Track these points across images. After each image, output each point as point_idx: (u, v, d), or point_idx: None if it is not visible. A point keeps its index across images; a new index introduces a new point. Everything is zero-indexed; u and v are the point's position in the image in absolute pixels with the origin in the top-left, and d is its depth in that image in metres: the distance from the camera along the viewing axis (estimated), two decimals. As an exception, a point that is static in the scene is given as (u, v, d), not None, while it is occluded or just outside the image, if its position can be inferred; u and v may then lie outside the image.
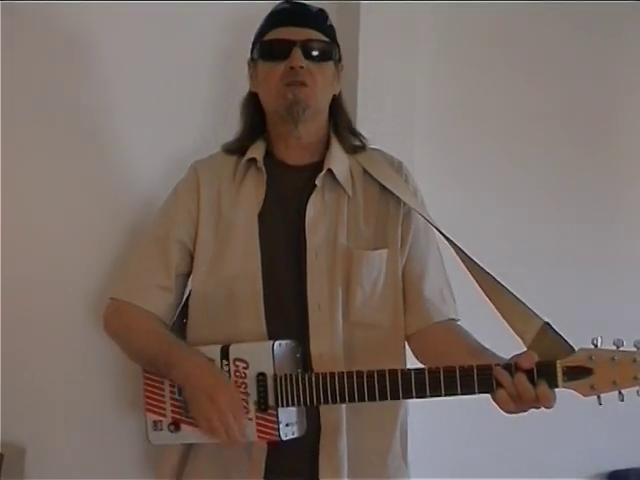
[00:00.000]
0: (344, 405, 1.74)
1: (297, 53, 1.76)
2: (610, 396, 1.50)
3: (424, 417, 1.92)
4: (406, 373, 1.59)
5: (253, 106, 1.88)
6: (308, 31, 1.79)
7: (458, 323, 1.84)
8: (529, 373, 1.51)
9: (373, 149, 1.92)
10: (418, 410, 1.88)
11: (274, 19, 1.83)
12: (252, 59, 1.87)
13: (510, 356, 1.56)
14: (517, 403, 1.52)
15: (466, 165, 2.63)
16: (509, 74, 2.70)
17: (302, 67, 1.76)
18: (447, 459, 2.42)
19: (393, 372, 1.59)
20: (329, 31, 1.85)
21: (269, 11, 1.85)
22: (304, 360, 1.73)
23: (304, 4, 1.85)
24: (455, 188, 2.53)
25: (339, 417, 1.75)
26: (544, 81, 2.75)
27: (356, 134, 1.92)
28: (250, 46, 1.87)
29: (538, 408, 1.54)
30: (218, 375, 1.69)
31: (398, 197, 1.83)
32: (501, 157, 2.70)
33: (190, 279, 1.87)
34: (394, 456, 1.84)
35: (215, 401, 1.63)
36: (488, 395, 1.57)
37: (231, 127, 1.92)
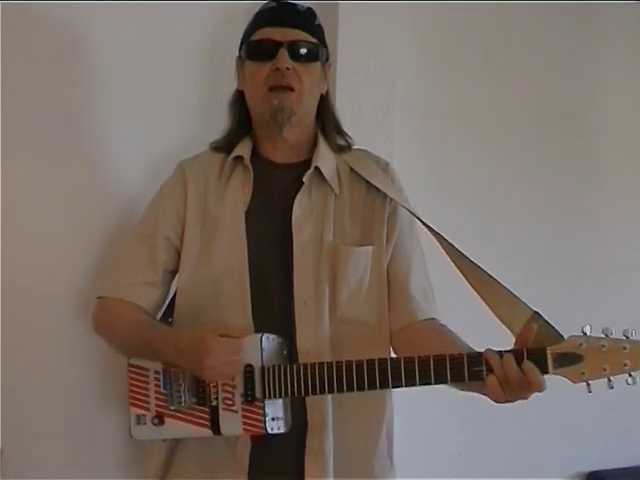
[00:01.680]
0: (330, 403, 1.73)
1: (283, 54, 1.76)
2: (595, 394, 1.49)
3: (408, 417, 1.91)
4: (396, 361, 1.59)
5: (240, 104, 1.89)
6: (295, 31, 1.79)
7: (441, 322, 1.84)
8: (519, 359, 1.51)
9: (359, 149, 1.93)
10: (403, 410, 1.87)
11: (261, 18, 1.84)
12: (240, 57, 1.87)
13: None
14: (506, 388, 1.51)
15: (446, 164, 2.65)
16: (490, 73, 2.73)
17: (288, 68, 1.76)
18: (429, 458, 2.41)
19: (382, 360, 1.59)
20: (317, 31, 1.85)
21: (257, 10, 1.86)
22: (291, 357, 1.72)
23: (292, 3, 1.85)
24: (435, 187, 2.55)
25: (325, 415, 1.74)
26: (525, 79, 2.78)
27: (342, 134, 1.92)
28: (237, 45, 1.87)
29: (526, 398, 1.53)
30: (205, 335, 1.64)
31: (384, 195, 1.83)
32: (482, 155, 2.71)
33: (176, 277, 1.86)
34: (380, 455, 1.83)
35: (210, 351, 1.60)
36: (472, 394, 1.58)
37: (217, 126, 1.92)
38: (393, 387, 1.60)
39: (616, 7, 2.89)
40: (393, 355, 1.82)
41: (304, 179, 1.81)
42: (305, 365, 1.64)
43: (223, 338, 1.63)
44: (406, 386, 1.58)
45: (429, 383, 1.56)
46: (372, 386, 1.59)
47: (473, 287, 1.71)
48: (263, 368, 1.65)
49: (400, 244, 1.85)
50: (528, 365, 1.50)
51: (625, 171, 2.99)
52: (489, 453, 2.62)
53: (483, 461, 2.60)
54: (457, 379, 1.55)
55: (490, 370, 1.52)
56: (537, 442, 2.75)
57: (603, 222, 2.95)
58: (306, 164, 1.84)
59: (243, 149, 1.86)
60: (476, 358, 1.54)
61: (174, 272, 1.85)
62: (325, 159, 1.85)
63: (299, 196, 1.80)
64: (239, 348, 1.63)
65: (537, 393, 1.52)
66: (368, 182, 1.84)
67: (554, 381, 1.52)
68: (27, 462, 1.94)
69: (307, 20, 1.84)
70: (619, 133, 2.97)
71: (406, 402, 1.84)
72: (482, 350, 1.58)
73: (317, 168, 1.83)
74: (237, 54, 1.87)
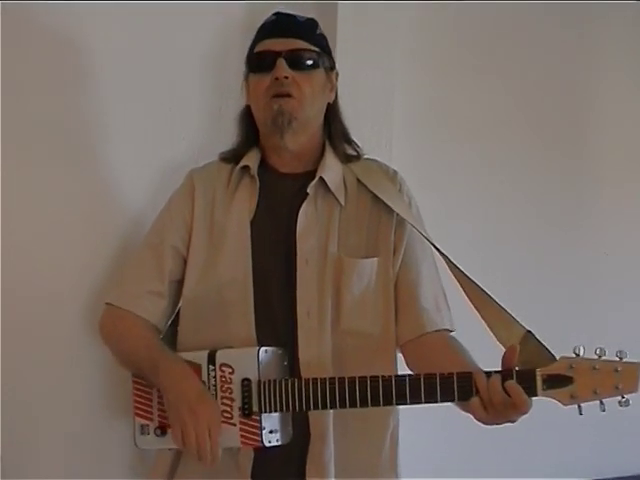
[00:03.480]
0: (332, 414, 1.74)
1: (281, 64, 1.77)
2: (594, 405, 1.49)
3: (414, 425, 1.92)
4: (387, 380, 1.59)
5: (248, 119, 1.90)
6: (294, 41, 1.81)
7: (451, 334, 1.83)
8: (508, 380, 1.50)
9: (368, 158, 1.93)
10: (408, 419, 1.87)
11: (262, 32, 1.86)
12: (245, 72, 1.89)
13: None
14: (489, 409, 1.52)
15: (445, 173, 2.63)
16: (489, 81, 2.70)
17: (286, 77, 1.77)
18: (425, 465, 2.38)
19: (374, 378, 1.59)
20: (318, 40, 1.85)
21: (261, 22, 1.87)
22: (292, 368, 1.73)
23: (292, 15, 1.86)
24: (433, 196, 2.48)
25: (327, 426, 1.75)
26: (525, 87, 2.76)
27: (351, 143, 1.92)
28: (241, 54, 1.89)
29: (513, 420, 1.53)
30: (202, 389, 1.69)
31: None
32: (480, 164, 2.70)
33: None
34: (384, 468, 1.83)
35: (195, 413, 1.63)
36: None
37: (222, 136, 1.95)
38: (384, 405, 1.60)
39: (616, 7, 2.84)
40: (400, 367, 1.83)
41: (308, 190, 1.81)
42: (300, 380, 1.66)
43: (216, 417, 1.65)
44: (397, 404, 1.61)
45: (419, 402, 1.57)
46: (364, 403, 1.60)
47: (472, 303, 1.71)
48: (260, 382, 1.66)
49: (409, 254, 1.84)
50: (511, 384, 1.50)
51: (625, 179, 2.96)
52: (486, 461, 2.62)
53: (480, 470, 2.59)
54: (447, 399, 1.55)
55: (477, 390, 1.52)
56: (535, 451, 2.74)
57: (603, 235, 2.92)
58: (312, 174, 1.84)
59: (250, 159, 1.87)
60: (465, 378, 1.54)
61: (182, 281, 1.87)
62: (331, 169, 1.85)
63: (304, 206, 1.81)
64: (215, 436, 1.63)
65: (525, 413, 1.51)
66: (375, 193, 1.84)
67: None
68: (28, 466, 1.98)
69: (307, 29, 1.85)
70: (620, 137, 2.94)
71: (402, 409, 1.83)
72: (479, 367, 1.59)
73: (322, 179, 1.83)
74: (244, 69, 1.89)
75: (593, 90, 2.92)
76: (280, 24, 1.84)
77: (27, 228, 1.98)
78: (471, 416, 1.57)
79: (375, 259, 1.81)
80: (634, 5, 2.93)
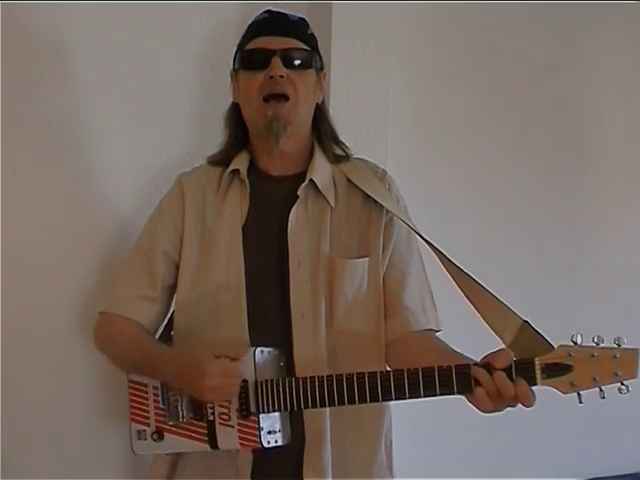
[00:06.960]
0: (328, 415, 1.74)
1: (277, 62, 1.76)
2: (592, 401, 1.48)
3: (402, 424, 1.91)
4: (385, 375, 1.58)
5: (236, 117, 1.89)
6: (288, 40, 1.80)
7: (436, 335, 1.82)
8: (507, 371, 1.49)
9: (357, 158, 1.93)
10: (405, 419, 1.87)
11: (254, 29, 1.85)
12: (234, 69, 1.88)
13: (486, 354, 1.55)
14: (496, 401, 1.51)
15: (440, 174, 2.64)
16: (484, 81, 2.72)
17: (282, 76, 1.76)
18: (422, 466, 2.40)
19: (372, 374, 1.59)
20: (310, 39, 1.86)
21: (250, 21, 1.87)
22: (288, 369, 1.73)
23: (284, 13, 1.86)
24: (429, 197, 2.53)
25: (323, 427, 1.75)
26: (521, 87, 2.78)
27: (339, 143, 1.92)
28: (231, 56, 1.88)
29: (514, 406, 1.52)
30: (201, 357, 1.67)
31: (381, 205, 1.83)
32: (476, 164, 2.71)
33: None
34: (379, 467, 1.83)
35: (206, 373, 1.62)
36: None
37: (212, 139, 1.94)
38: (383, 400, 1.60)
39: (615, 8, 2.86)
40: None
41: (299, 192, 1.81)
42: (297, 379, 1.65)
43: (220, 360, 1.64)
44: (396, 399, 1.59)
45: (419, 396, 1.56)
46: (362, 399, 1.59)
47: (467, 297, 1.71)
48: (257, 382, 1.65)
49: (396, 253, 1.84)
50: (518, 381, 1.49)
51: (623, 178, 2.97)
52: (484, 461, 2.62)
53: (478, 469, 2.59)
54: (446, 392, 1.54)
55: (478, 382, 1.51)
56: (535, 449, 2.74)
57: (600, 229, 2.93)
58: (302, 176, 1.84)
59: (240, 162, 1.86)
60: (464, 371, 1.53)
61: (174, 287, 1.86)
62: (321, 170, 1.85)
63: (294, 209, 1.80)
64: (236, 371, 1.64)
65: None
66: (365, 193, 1.84)
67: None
68: (28, 467, 1.97)
69: (300, 29, 1.85)
70: (618, 138, 2.95)
71: (399, 409, 1.82)
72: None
73: (312, 180, 1.82)
74: (231, 66, 1.88)
75: (593, 89, 2.94)
76: (274, 22, 1.84)
77: (21, 232, 1.98)
78: (468, 413, 1.57)
79: (366, 259, 1.81)
80: (634, 5, 2.94)
